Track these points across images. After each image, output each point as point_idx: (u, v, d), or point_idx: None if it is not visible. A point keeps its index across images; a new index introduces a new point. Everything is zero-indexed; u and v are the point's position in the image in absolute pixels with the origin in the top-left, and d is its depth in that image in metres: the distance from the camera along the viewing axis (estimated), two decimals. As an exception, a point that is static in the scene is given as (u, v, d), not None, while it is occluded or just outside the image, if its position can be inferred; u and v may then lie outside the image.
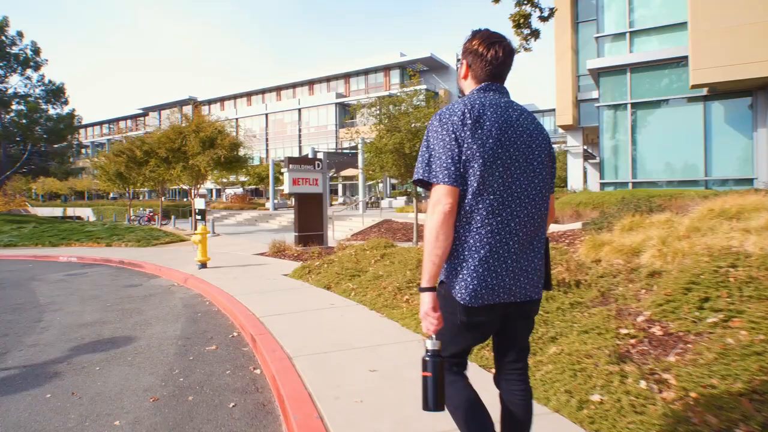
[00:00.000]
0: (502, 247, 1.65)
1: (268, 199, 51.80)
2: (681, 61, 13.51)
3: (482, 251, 1.64)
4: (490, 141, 1.64)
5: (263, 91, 64.50)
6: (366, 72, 56.67)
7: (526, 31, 7.41)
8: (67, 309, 6.77)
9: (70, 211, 50.94)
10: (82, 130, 69.98)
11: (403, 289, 5.37)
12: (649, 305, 3.60)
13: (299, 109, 58.15)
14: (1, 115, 36.21)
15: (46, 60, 38.26)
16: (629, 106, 14.44)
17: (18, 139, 36.67)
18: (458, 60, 2.03)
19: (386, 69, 55.04)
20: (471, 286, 1.63)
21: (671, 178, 13.83)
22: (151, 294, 7.66)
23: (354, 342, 4.18)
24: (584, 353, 2.93)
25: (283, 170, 11.74)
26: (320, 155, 17.74)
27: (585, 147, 20.42)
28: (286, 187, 11.80)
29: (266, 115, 60.87)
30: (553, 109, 50.98)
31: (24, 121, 34.57)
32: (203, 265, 9.36)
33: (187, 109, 18.12)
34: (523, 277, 1.70)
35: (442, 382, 1.63)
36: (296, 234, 11.99)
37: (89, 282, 9.20)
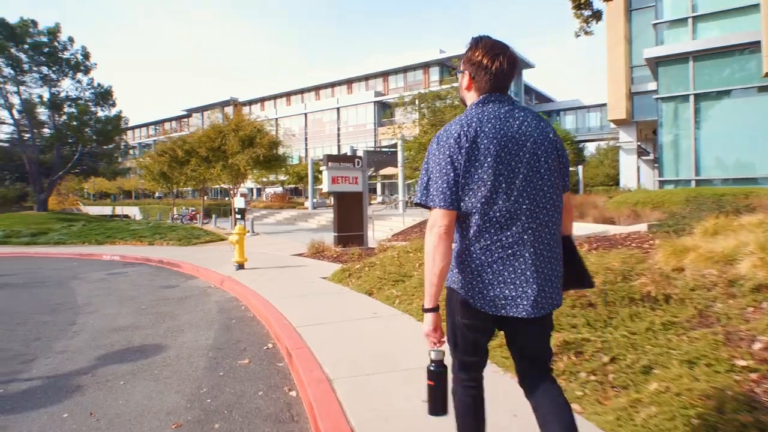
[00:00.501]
0: (517, 260, 1.66)
1: (306, 198, 52.10)
2: (750, 48, 12.34)
3: (499, 266, 1.67)
4: (489, 159, 1.64)
5: (302, 91, 64.95)
6: (405, 70, 56.12)
7: (587, 13, 6.73)
8: (102, 311, 6.57)
9: (119, 210, 52.78)
10: (129, 132, 72.49)
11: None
12: (765, 328, 2.93)
13: (338, 108, 58.17)
14: (54, 118, 37.67)
15: (95, 64, 39.51)
16: (692, 97, 13.33)
17: (70, 141, 38.06)
18: (456, 69, 2.00)
19: (425, 66, 54.33)
20: (494, 299, 1.67)
21: (742, 174, 12.66)
22: (186, 296, 7.40)
23: (401, 360, 3.68)
24: (698, 393, 2.33)
25: (322, 168, 11.37)
26: (360, 153, 17.36)
27: (639, 143, 19.23)
28: (325, 186, 11.43)
29: (305, 114, 61.23)
30: (600, 105, 49.14)
31: (75, 123, 35.78)
32: (240, 266, 9.08)
33: (229, 110, 18.06)
34: (545, 284, 1.70)
35: (445, 390, 1.75)
36: (335, 234, 11.61)
37: (128, 282, 9.08)
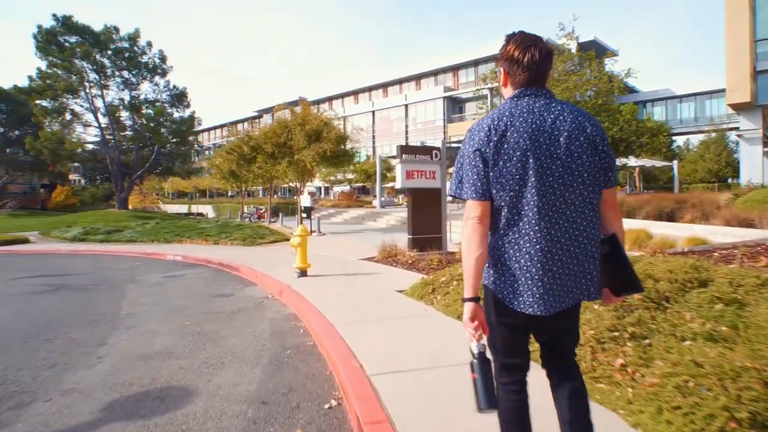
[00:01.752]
0: (545, 256, 1.64)
1: (374, 197, 51.27)
2: None
3: (527, 263, 1.65)
4: (518, 153, 1.64)
5: (369, 89, 64.31)
6: (476, 63, 53.84)
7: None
8: (141, 326, 5.56)
9: (194, 209, 54.56)
10: (204, 134, 75.17)
11: (605, 342, 3.21)
12: None
13: (406, 105, 56.89)
14: (134, 120, 39.14)
15: (171, 67, 40.67)
16: None
17: (148, 142, 39.43)
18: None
19: (497, 59, 51.38)
20: (523, 296, 1.66)
21: None
22: (239, 310, 6.27)
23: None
24: None
25: (394, 162, 10.01)
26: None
27: (766, 131, 16.30)
28: (398, 181, 10.06)
29: (373, 112, 60.47)
30: (694, 94, 44.45)
31: (152, 124, 36.89)
32: (303, 273, 7.89)
33: (297, 108, 17.20)
34: (571, 283, 1.68)
35: (491, 382, 1.67)
36: (410, 237, 10.20)
37: (181, 288, 8.17)
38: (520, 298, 1.67)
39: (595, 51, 49.27)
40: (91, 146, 41.43)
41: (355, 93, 65.79)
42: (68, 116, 37.92)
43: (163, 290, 8.03)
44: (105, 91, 38.63)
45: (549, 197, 1.64)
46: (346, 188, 51.41)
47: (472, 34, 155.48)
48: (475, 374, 1.67)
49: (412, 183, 9.97)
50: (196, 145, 47.72)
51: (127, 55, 38.36)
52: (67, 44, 36.07)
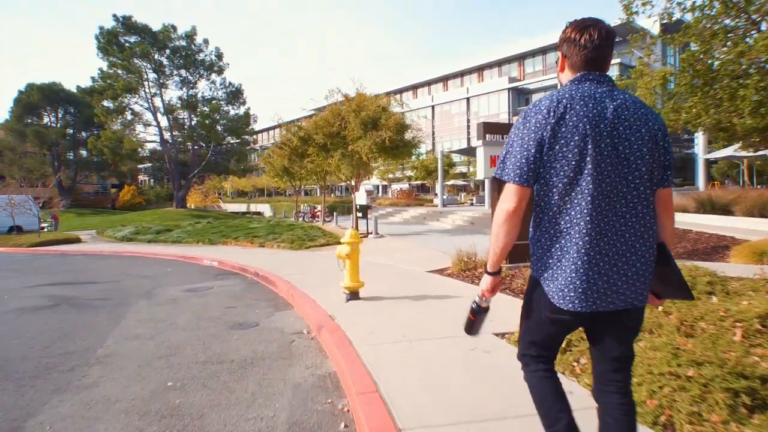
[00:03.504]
0: (593, 249, 1.58)
1: (435, 194, 48.79)
2: None
3: (573, 254, 1.59)
4: (576, 138, 1.57)
5: (429, 83, 61.81)
6: (543, 51, 50.13)
7: None
8: (102, 386, 3.61)
9: (252, 207, 54.36)
10: (263, 134, 75.37)
11: None
12: None
13: (467, 98, 53.98)
14: (191, 118, 38.84)
15: (228, 64, 40.09)
16: None
17: (204, 140, 39.06)
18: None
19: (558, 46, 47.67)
20: (563, 289, 1.61)
21: None
22: (255, 358, 4.17)
23: None
24: None
25: (476, 144, 7.68)
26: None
27: None
28: (480, 170, 7.71)
29: (432, 107, 57.96)
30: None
31: (207, 121, 36.33)
32: (353, 295, 5.74)
33: (352, 94, 15.16)
34: (621, 282, 1.61)
35: (480, 324, 1.91)
36: (493, 242, 7.76)
37: (197, 310, 6.23)
38: (561, 293, 1.61)
39: (622, 37, 44.95)
40: (151, 145, 41.65)
41: (414, 88, 63.48)
42: (129, 116, 38.11)
43: (174, 312, 6.14)
44: (163, 91, 38.50)
45: (604, 188, 1.58)
46: (405, 186, 49.27)
47: (539, 19, 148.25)
48: (473, 317, 1.89)
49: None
50: (252, 143, 47.17)
51: (184, 53, 38.06)
52: (127, 44, 36.13)
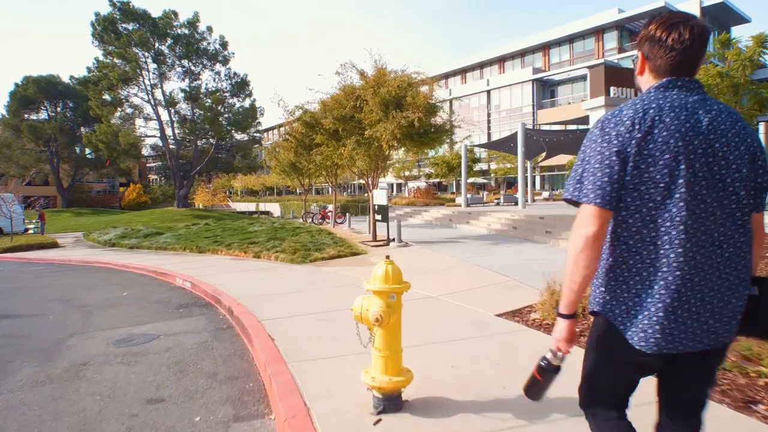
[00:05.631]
0: (684, 285, 1.36)
1: (454, 193, 45.69)
2: None
3: (661, 290, 1.36)
4: (666, 156, 1.33)
5: (446, 76, 58.49)
6: (570, 40, 46.75)
7: None
8: None
9: (261, 206, 51.81)
10: (271, 132, 72.84)
11: None
12: None
13: (488, 91, 50.63)
14: (193, 111, 36.20)
15: (233, 53, 37.44)
16: None
17: (207, 135, 36.41)
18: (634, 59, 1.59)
19: (597, 32, 44.38)
20: (646, 329, 1.37)
21: None
22: None
23: None
24: None
25: (592, 106, 4.79)
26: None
27: None
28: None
29: (450, 100, 54.67)
30: None
31: (209, 114, 33.66)
32: (389, 402, 2.74)
33: (369, 71, 12.20)
34: (713, 320, 1.39)
35: (546, 389, 1.59)
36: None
37: (96, 405, 3.35)
38: (643, 333, 1.38)
39: (723, 18, 40.99)
40: (152, 141, 39.14)
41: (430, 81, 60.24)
42: (128, 109, 35.60)
43: (55, 407, 3.29)
44: (164, 82, 35.91)
45: (699, 214, 1.35)
46: (422, 184, 46.23)
47: (564, 11, 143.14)
48: (540, 377, 1.56)
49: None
50: (260, 141, 44.48)
51: (185, 41, 35.43)
52: (124, 32, 33.60)
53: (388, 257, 2.73)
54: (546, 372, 1.55)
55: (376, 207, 13.01)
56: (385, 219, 12.45)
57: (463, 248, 10.84)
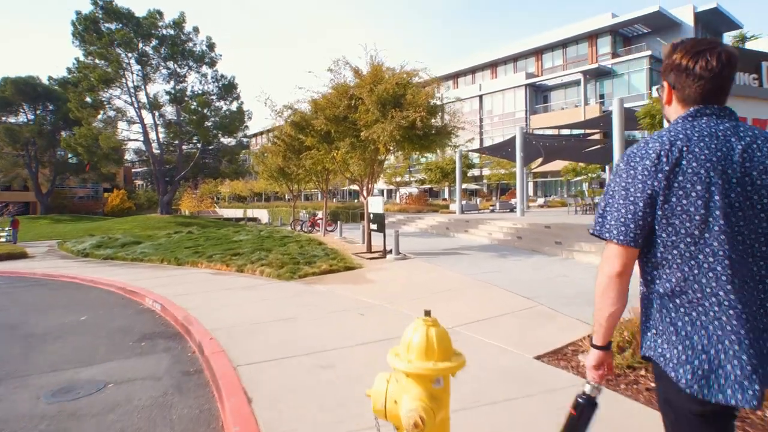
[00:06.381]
0: (740, 323, 1.25)
1: (446, 200, 44.79)
2: None
3: (717, 330, 1.27)
4: (699, 188, 1.27)
5: (437, 81, 57.82)
6: (563, 44, 46.22)
7: None
8: None
9: (249, 213, 50.50)
10: (259, 137, 71.60)
11: None
12: None
13: (480, 96, 49.91)
14: (178, 114, 34.96)
15: (220, 55, 36.27)
16: None
17: (192, 139, 35.18)
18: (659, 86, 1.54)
19: (591, 37, 43.88)
20: (709, 377, 1.26)
21: None
22: None
23: None
24: None
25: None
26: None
27: None
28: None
29: (442, 105, 53.96)
30: None
31: (195, 117, 32.45)
32: None
33: (364, 68, 11.20)
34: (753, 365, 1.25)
35: (585, 427, 1.49)
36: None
37: None
38: (703, 381, 1.26)
39: (654, 28, 40.61)
40: (136, 145, 37.78)
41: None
42: (110, 112, 34.26)
43: None
44: (149, 84, 34.64)
45: (737, 246, 1.27)
46: (413, 190, 45.28)
47: (557, 11, 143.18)
48: (575, 411, 1.49)
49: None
50: (248, 146, 43.26)
51: (171, 42, 34.24)
52: (107, 31, 32.34)
53: (428, 314, 1.68)
54: (583, 408, 1.49)
55: (371, 215, 11.98)
56: (382, 228, 11.42)
57: (468, 262, 9.83)
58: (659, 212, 1.30)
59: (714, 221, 1.26)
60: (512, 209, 27.36)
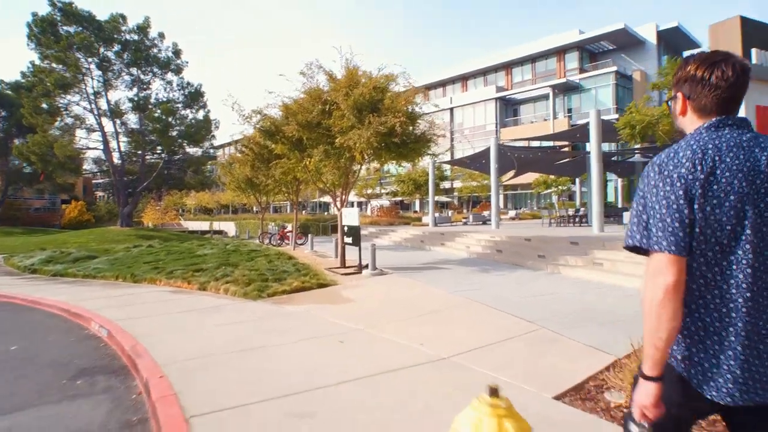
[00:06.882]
0: (753, 330, 1.29)
1: (416, 212, 44.38)
2: None
3: (731, 336, 1.30)
4: (732, 198, 1.29)
5: (420, 89, 57.72)
6: (532, 59, 46.88)
7: None
8: None
9: (216, 225, 48.92)
10: (230, 147, 70.10)
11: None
12: None
13: (451, 109, 50.07)
14: (142, 122, 33.54)
15: (187, 62, 35.10)
16: None
17: (156, 149, 33.77)
18: (669, 98, 1.54)
19: (560, 52, 44.63)
20: (718, 380, 1.30)
21: None
22: None
23: None
24: None
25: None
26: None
27: None
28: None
29: (422, 113, 53.79)
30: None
31: (158, 125, 31.13)
32: None
33: (339, 72, 10.57)
34: None
35: None
36: None
37: None
38: (712, 383, 1.32)
39: (619, 45, 41.69)
40: (94, 153, 36.02)
41: (393, 98, 59.38)
42: (67, 119, 32.56)
43: None
44: (110, 91, 33.14)
45: (764, 254, 1.30)
46: (384, 203, 44.74)
47: (529, 25, 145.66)
48: None
49: None
50: (216, 157, 41.94)
51: (134, 48, 32.91)
52: (65, 34, 30.81)
53: (496, 393, 1.01)
54: None
55: (346, 228, 11.28)
56: (357, 242, 10.73)
57: (451, 277, 9.23)
58: (696, 218, 1.29)
59: (742, 231, 1.27)
60: (485, 221, 27.07)
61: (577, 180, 34.11)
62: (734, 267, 1.29)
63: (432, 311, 6.29)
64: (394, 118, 8.87)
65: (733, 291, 1.29)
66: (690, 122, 1.44)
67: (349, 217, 11.11)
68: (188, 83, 34.54)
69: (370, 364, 4.10)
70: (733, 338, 1.29)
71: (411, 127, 10.41)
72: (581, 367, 3.74)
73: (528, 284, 8.16)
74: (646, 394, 1.33)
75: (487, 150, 21.19)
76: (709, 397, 1.31)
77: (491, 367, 3.88)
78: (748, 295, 1.28)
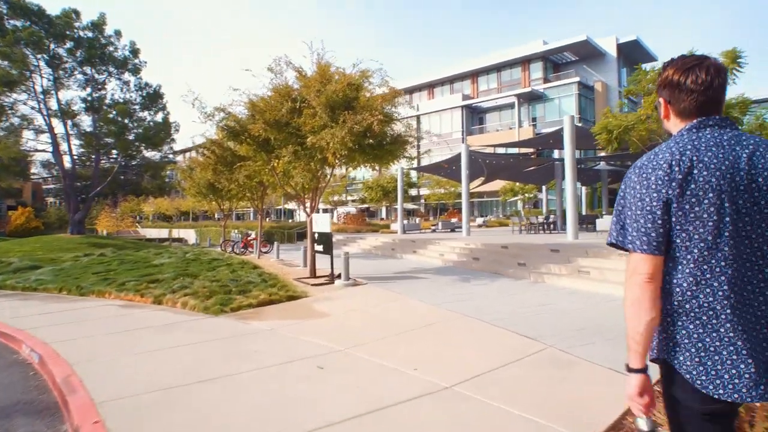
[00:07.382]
0: (746, 326, 1.30)
1: (383, 219, 43.88)
2: None
3: (729, 332, 1.30)
4: (710, 195, 1.31)
5: (399, 92, 57.33)
6: (498, 68, 47.34)
7: None
8: None
9: (175, 233, 46.99)
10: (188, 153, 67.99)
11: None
12: None
13: (417, 116, 49.89)
14: (96, 124, 31.74)
15: (145, 62, 33.57)
16: None
17: (110, 152, 32.01)
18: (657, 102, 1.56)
19: (525, 62, 45.19)
20: (723, 377, 1.29)
21: None
22: None
23: None
24: None
25: None
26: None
27: None
28: None
29: (398, 113, 53.35)
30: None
31: (113, 127, 29.50)
32: None
33: (308, 69, 9.87)
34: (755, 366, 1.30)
35: None
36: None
37: None
38: (718, 381, 1.30)
39: (581, 56, 42.87)
40: (43, 156, 33.85)
41: (359, 104, 58.88)
42: (13, 118, 30.46)
43: None
44: (61, 90, 31.25)
45: (747, 252, 1.32)
46: (351, 210, 44.01)
47: (493, 40, 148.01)
48: None
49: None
50: (174, 161, 40.24)
51: (88, 45, 31.18)
52: (11, 29, 28.87)
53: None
54: None
55: (317, 235, 10.53)
56: (329, 250, 10.00)
57: (430, 288, 8.62)
58: (674, 218, 1.33)
59: (724, 227, 1.30)
60: (454, 229, 26.74)
61: (544, 187, 34.35)
62: (723, 263, 1.30)
63: (419, 327, 5.65)
64: (370, 116, 8.23)
65: (725, 288, 1.30)
66: (674, 125, 1.47)
67: (321, 223, 10.38)
68: (147, 84, 32.97)
69: (357, 398, 3.41)
70: (731, 334, 1.29)
71: (388, 128, 9.80)
72: (607, 396, 3.18)
73: (515, 295, 7.64)
74: (633, 386, 1.36)
75: (458, 156, 20.88)
76: (716, 396, 1.29)
77: (506, 400, 3.26)
78: (738, 290, 1.30)
